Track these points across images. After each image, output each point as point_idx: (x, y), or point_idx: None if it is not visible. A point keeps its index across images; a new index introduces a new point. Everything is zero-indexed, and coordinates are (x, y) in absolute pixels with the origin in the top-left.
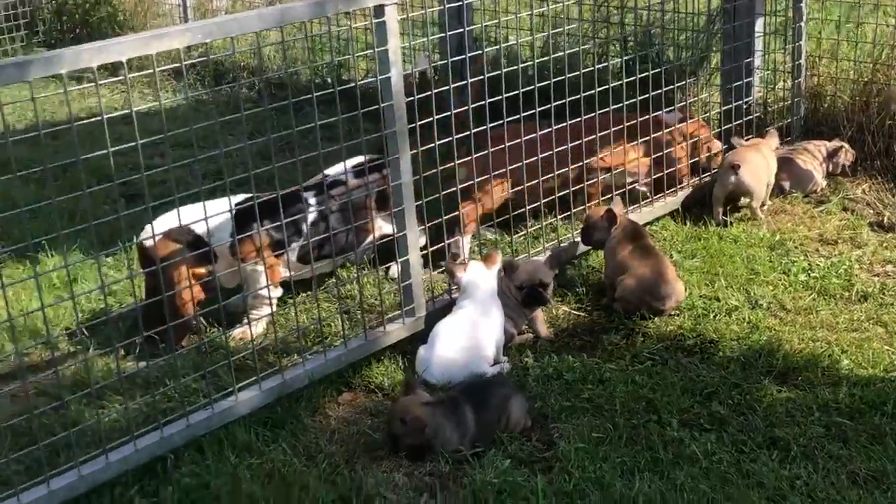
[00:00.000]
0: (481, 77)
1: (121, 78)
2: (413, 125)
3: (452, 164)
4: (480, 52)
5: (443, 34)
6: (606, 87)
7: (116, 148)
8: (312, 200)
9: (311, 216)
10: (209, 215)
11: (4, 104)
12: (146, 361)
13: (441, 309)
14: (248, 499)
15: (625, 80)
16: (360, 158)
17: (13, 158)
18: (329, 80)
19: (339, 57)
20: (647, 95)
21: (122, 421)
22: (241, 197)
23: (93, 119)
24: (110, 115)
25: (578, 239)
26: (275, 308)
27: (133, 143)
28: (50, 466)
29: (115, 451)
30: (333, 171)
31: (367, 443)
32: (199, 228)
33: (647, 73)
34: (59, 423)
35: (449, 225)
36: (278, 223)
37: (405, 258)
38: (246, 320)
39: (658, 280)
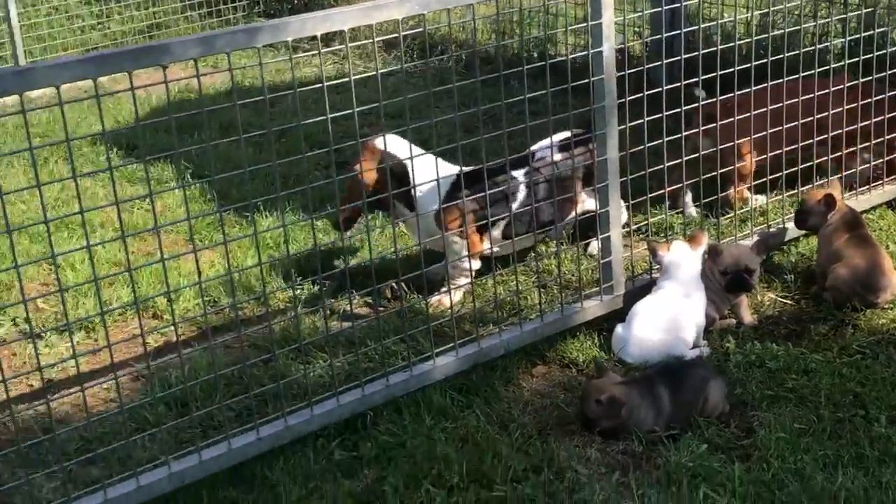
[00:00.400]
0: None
1: (334, 48)
2: (622, 100)
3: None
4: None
5: (657, 9)
6: (826, 67)
7: (335, 114)
8: (518, 175)
9: (516, 192)
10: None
11: (223, 69)
12: (351, 322)
13: (641, 288)
14: (442, 460)
15: (846, 62)
16: (566, 133)
17: (239, 121)
18: (536, 54)
19: (547, 31)
20: (869, 78)
21: (325, 377)
22: (455, 169)
23: (315, 86)
24: (330, 83)
25: (789, 224)
26: (473, 279)
27: (349, 112)
28: (259, 415)
29: (319, 404)
30: (539, 146)
31: (560, 416)
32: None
33: (870, 55)
34: (268, 374)
35: (653, 202)
36: (484, 197)
37: (606, 235)
38: (445, 288)
39: (874, 271)
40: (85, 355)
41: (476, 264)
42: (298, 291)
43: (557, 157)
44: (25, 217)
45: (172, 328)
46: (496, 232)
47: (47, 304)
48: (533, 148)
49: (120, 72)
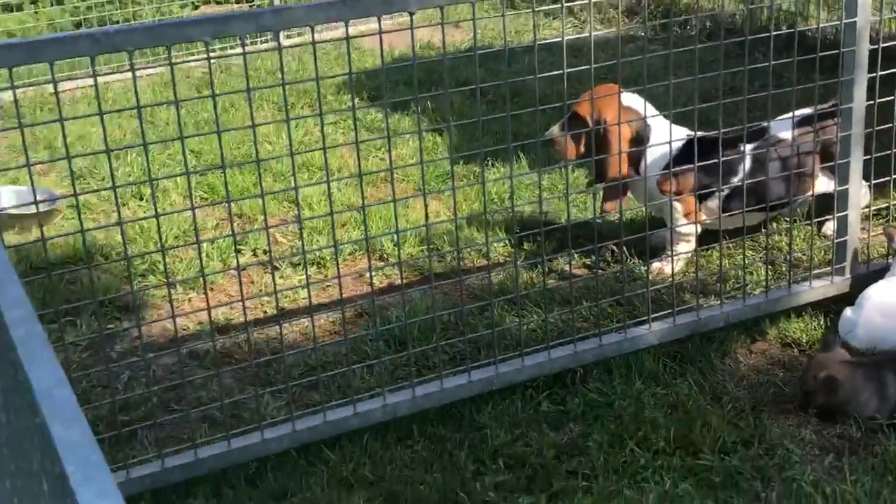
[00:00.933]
0: None
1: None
2: (872, 74)
3: None
4: None
5: None
6: None
7: (571, 69)
8: (748, 148)
9: (745, 165)
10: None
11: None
12: (568, 280)
13: (874, 273)
14: (649, 423)
15: None
16: (807, 110)
17: (478, 79)
18: (784, 27)
19: (798, 4)
20: None
21: (538, 332)
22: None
23: (551, 40)
24: (570, 38)
25: None
26: (695, 247)
27: (585, 67)
28: (471, 360)
29: (530, 356)
30: (776, 121)
31: (777, 394)
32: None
33: None
34: (483, 323)
35: None
36: (705, 166)
37: (843, 214)
38: (666, 255)
39: None
40: (316, 283)
41: (696, 230)
42: (519, 246)
43: (796, 132)
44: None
45: (397, 270)
46: (713, 203)
47: (285, 239)
48: (769, 123)
49: (370, 15)
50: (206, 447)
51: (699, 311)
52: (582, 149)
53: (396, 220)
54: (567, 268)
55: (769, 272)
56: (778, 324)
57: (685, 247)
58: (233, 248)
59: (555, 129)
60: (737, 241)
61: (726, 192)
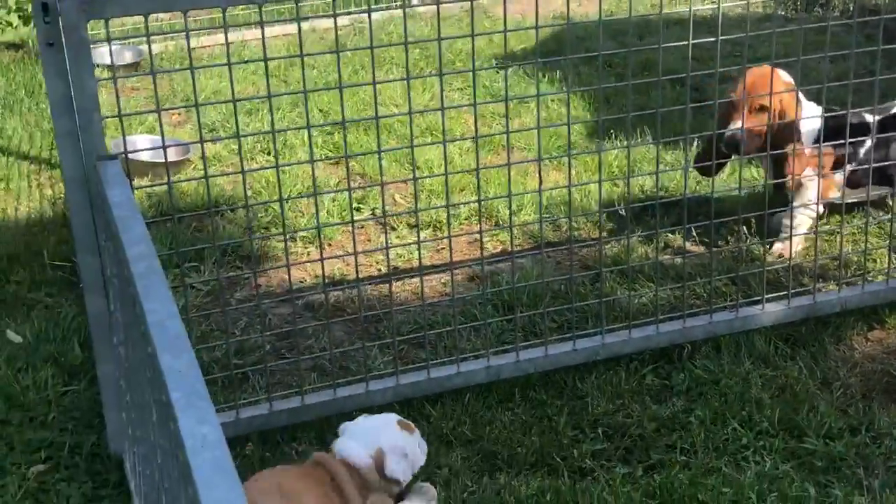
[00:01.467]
0: None
1: None
2: None
3: None
4: None
5: None
6: None
7: (697, 41)
8: (871, 120)
9: (870, 140)
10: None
11: None
12: (682, 256)
13: None
14: (755, 403)
15: None
16: None
17: (600, 44)
18: None
19: None
20: None
21: (648, 305)
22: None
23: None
24: (697, 7)
25: None
26: (816, 227)
27: (712, 39)
28: (578, 329)
29: (638, 328)
30: None
31: (890, 384)
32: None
33: None
34: (592, 293)
35: None
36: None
37: None
38: (787, 234)
39: None
40: (429, 244)
41: (820, 209)
42: (635, 219)
43: None
44: (394, 119)
45: (509, 235)
46: (839, 176)
47: (404, 201)
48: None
49: None
50: (313, 394)
51: (815, 294)
52: (760, 142)
53: (510, 183)
54: (681, 243)
55: (894, 258)
56: None
57: (806, 227)
58: (349, 204)
59: (735, 126)
60: (860, 226)
61: (856, 167)
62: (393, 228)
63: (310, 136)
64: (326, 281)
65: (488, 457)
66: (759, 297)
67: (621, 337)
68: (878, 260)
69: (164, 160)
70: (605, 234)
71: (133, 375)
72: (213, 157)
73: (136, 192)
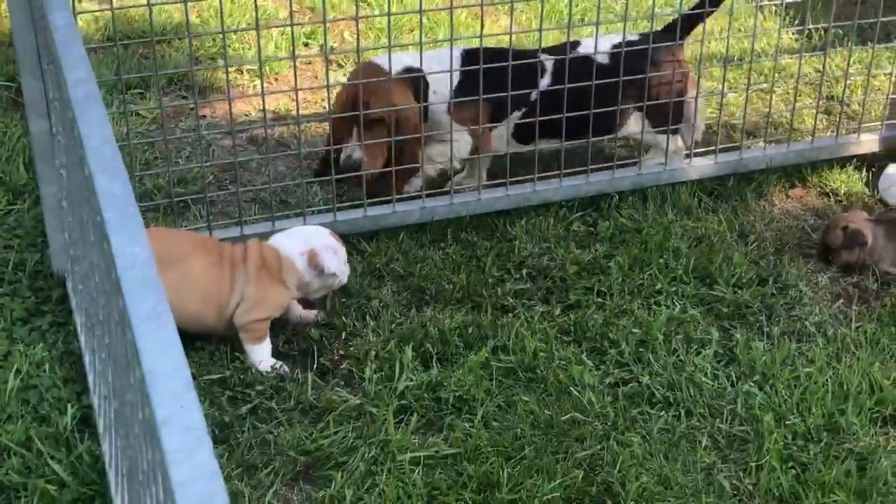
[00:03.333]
0: None
1: None
2: None
3: None
4: None
5: None
6: None
7: None
8: (549, 65)
9: (544, 82)
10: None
11: None
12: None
13: None
14: (672, 252)
15: None
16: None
17: None
18: None
19: None
20: None
21: (582, 155)
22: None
23: None
24: None
25: None
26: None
27: None
28: (511, 176)
29: (569, 178)
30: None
31: (803, 239)
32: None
33: None
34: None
35: None
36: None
37: None
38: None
39: None
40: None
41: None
42: None
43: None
44: None
45: None
46: (505, 131)
47: (352, 38)
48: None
49: None
50: (252, 225)
51: (743, 151)
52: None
53: (453, 27)
54: None
55: (820, 120)
56: (820, 173)
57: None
58: (292, 40)
59: (352, 148)
60: (792, 85)
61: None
62: (340, 66)
63: None
64: (270, 116)
65: (417, 292)
66: (688, 152)
67: (552, 185)
68: (807, 119)
69: None
70: None
71: (73, 197)
72: None
73: (82, 16)
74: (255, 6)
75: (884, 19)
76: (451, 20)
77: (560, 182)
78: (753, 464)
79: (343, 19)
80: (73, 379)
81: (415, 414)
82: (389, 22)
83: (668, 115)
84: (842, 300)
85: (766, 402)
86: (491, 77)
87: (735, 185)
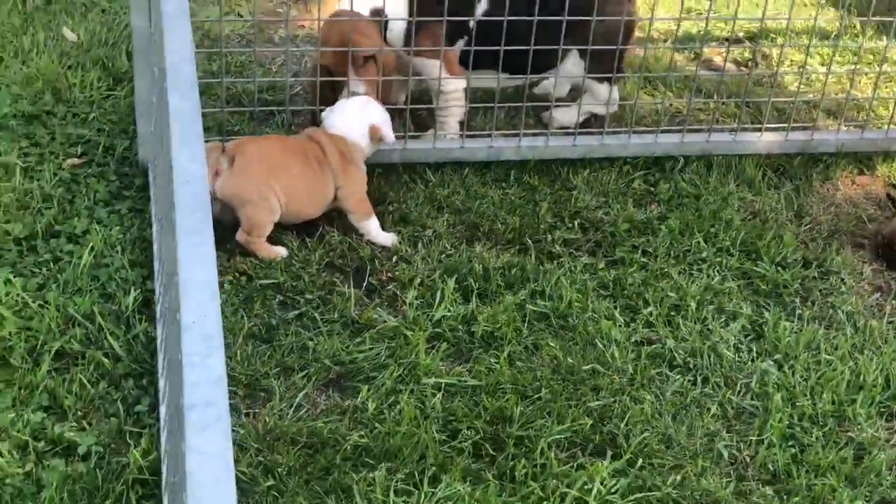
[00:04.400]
0: None
1: None
2: None
3: None
4: None
5: None
6: None
7: None
8: None
9: (480, 9)
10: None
11: None
12: (694, 74)
13: None
14: (724, 223)
15: None
16: None
17: None
18: None
19: None
20: None
21: (656, 115)
22: None
23: None
24: None
25: None
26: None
27: None
28: (581, 128)
29: (638, 135)
30: None
31: (858, 227)
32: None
33: None
34: None
35: None
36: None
37: None
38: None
39: None
40: None
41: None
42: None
43: None
44: None
45: None
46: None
47: None
48: None
49: None
50: None
51: (815, 131)
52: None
53: None
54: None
55: None
56: (891, 163)
57: (455, 115)
58: None
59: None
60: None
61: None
62: None
63: None
64: None
65: (471, 227)
66: (760, 125)
67: (621, 140)
68: (885, 106)
69: None
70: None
71: (157, 100)
72: None
73: None
74: None
75: None
76: None
77: (629, 138)
78: (755, 438)
79: None
80: (140, 263)
81: (446, 342)
82: None
83: (610, 63)
84: (880, 293)
85: (780, 381)
86: (438, 8)
87: (803, 164)
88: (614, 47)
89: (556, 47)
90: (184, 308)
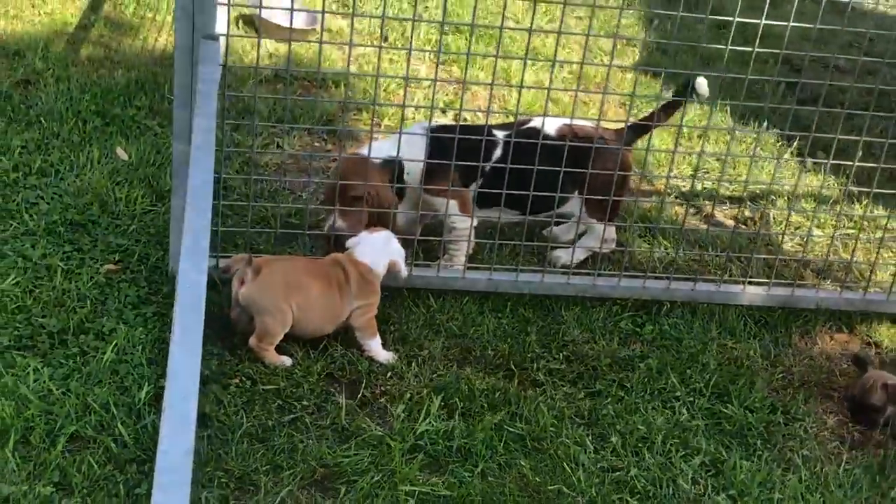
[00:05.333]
0: None
1: None
2: None
3: None
4: None
5: None
6: None
7: None
8: (500, 139)
9: (495, 154)
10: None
11: None
12: (680, 227)
13: None
14: (701, 366)
15: None
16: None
17: None
18: None
19: None
20: None
21: (643, 264)
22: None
23: None
24: None
25: None
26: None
27: None
28: (576, 268)
29: (628, 279)
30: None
31: (830, 382)
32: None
33: None
34: None
35: None
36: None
37: None
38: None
39: None
40: None
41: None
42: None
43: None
44: None
45: None
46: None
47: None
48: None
49: None
50: None
51: (796, 288)
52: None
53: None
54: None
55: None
56: (870, 323)
57: (462, 249)
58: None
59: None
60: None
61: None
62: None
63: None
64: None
65: (464, 351)
66: (743, 279)
67: (612, 282)
68: (877, 272)
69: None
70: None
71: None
72: (336, 31)
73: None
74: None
75: None
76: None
77: (619, 281)
78: None
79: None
80: (157, 362)
81: (425, 454)
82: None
83: (605, 208)
84: (840, 442)
85: None
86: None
87: (784, 316)
88: (608, 197)
89: (555, 194)
90: (167, 392)
